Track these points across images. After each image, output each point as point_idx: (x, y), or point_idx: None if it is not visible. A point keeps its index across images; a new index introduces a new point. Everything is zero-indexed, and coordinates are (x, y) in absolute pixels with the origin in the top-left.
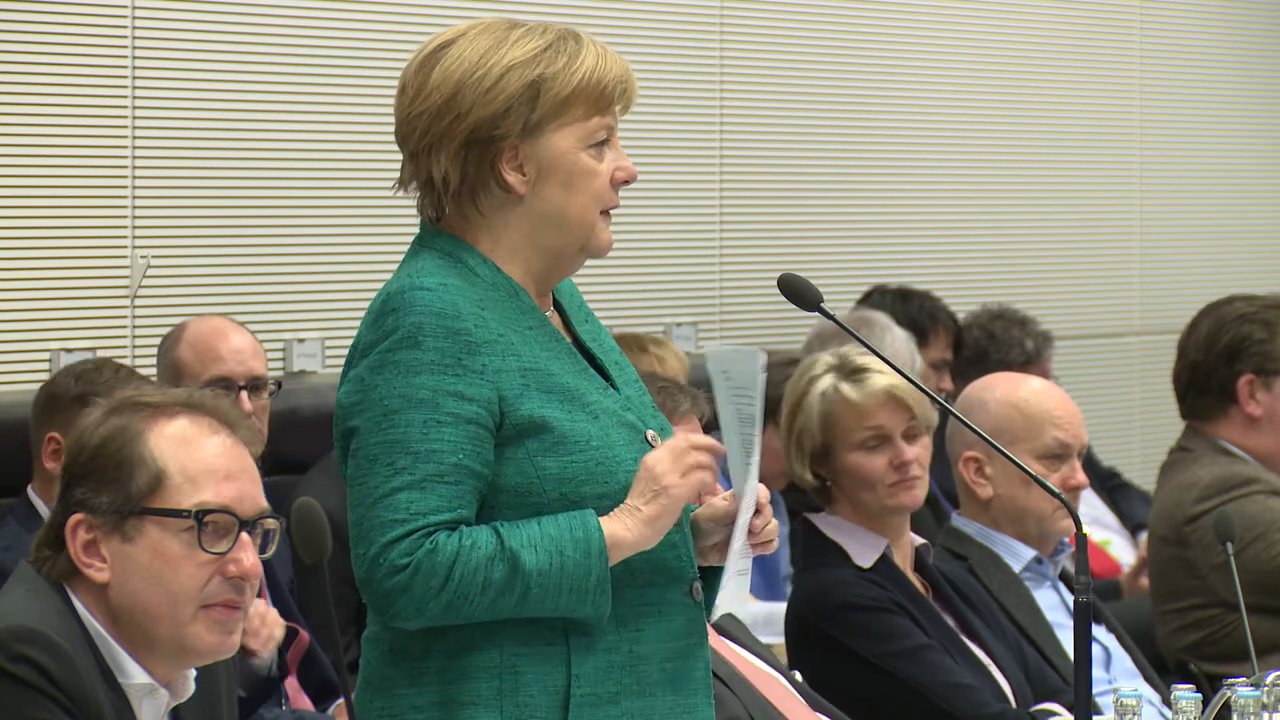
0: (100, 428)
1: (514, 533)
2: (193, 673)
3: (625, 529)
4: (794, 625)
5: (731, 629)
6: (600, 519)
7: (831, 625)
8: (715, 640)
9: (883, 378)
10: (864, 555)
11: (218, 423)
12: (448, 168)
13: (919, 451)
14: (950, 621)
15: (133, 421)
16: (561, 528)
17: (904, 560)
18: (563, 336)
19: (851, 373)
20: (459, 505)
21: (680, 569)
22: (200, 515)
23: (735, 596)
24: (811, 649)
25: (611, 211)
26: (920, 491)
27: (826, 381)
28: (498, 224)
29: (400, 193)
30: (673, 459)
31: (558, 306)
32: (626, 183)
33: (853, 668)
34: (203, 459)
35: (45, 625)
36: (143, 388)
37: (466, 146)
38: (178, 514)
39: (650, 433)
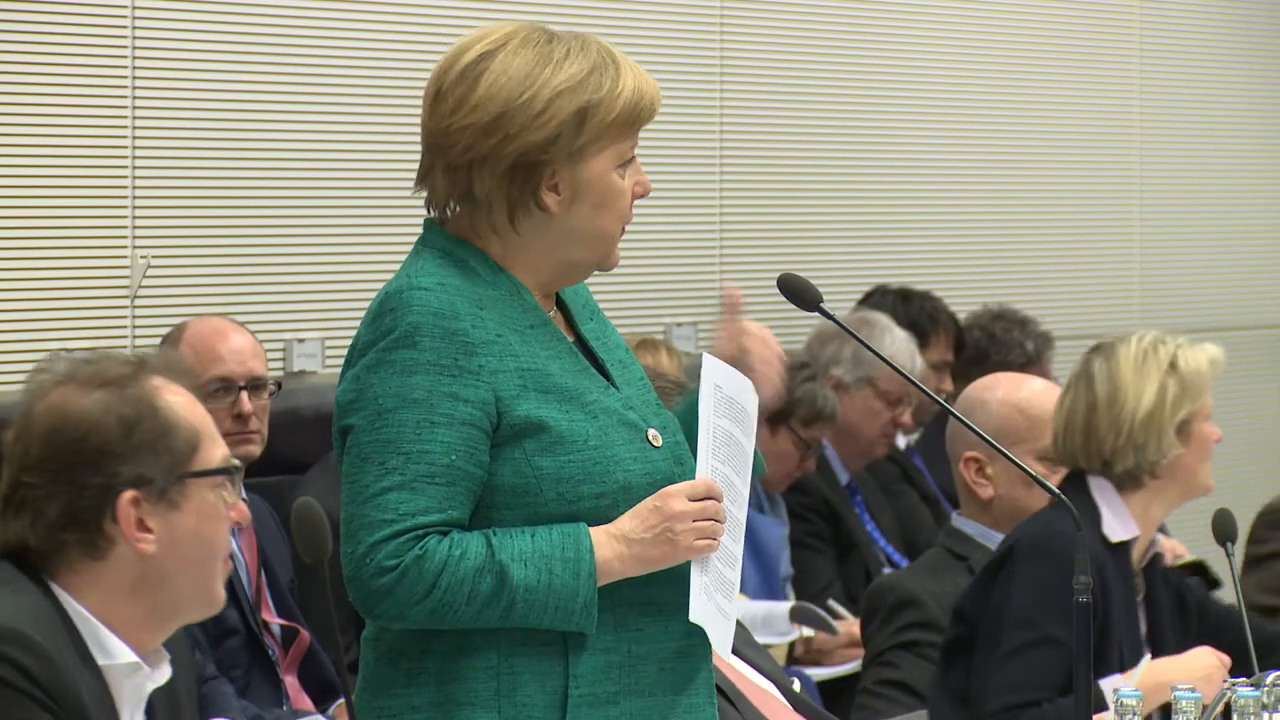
0: (116, 405)
1: (505, 544)
2: (168, 655)
3: (619, 560)
4: (1010, 537)
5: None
6: (596, 538)
7: (1025, 556)
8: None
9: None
10: (1116, 531)
11: (185, 381)
12: (491, 187)
13: None
14: (1144, 628)
15: (141, 392)
16: (554, 544)
17: (1138, 555)
18: (564, 336)
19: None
20: (450, 506)
21: (681, 568)
22: (236, 468)
23: (712, 610)
24: (1002, 560)
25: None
26: None
27: (1203, 348)
28: (528, 238)
29: (416, 192)
30: (698, 512)
31: (561, 305)
32: (642, 197)
33: (1000, 598)
34: (205, 416)
35: (21, 623)
36: (74, 364)
37: (513, 169)
38: (218, 472)
39: (652, 431)
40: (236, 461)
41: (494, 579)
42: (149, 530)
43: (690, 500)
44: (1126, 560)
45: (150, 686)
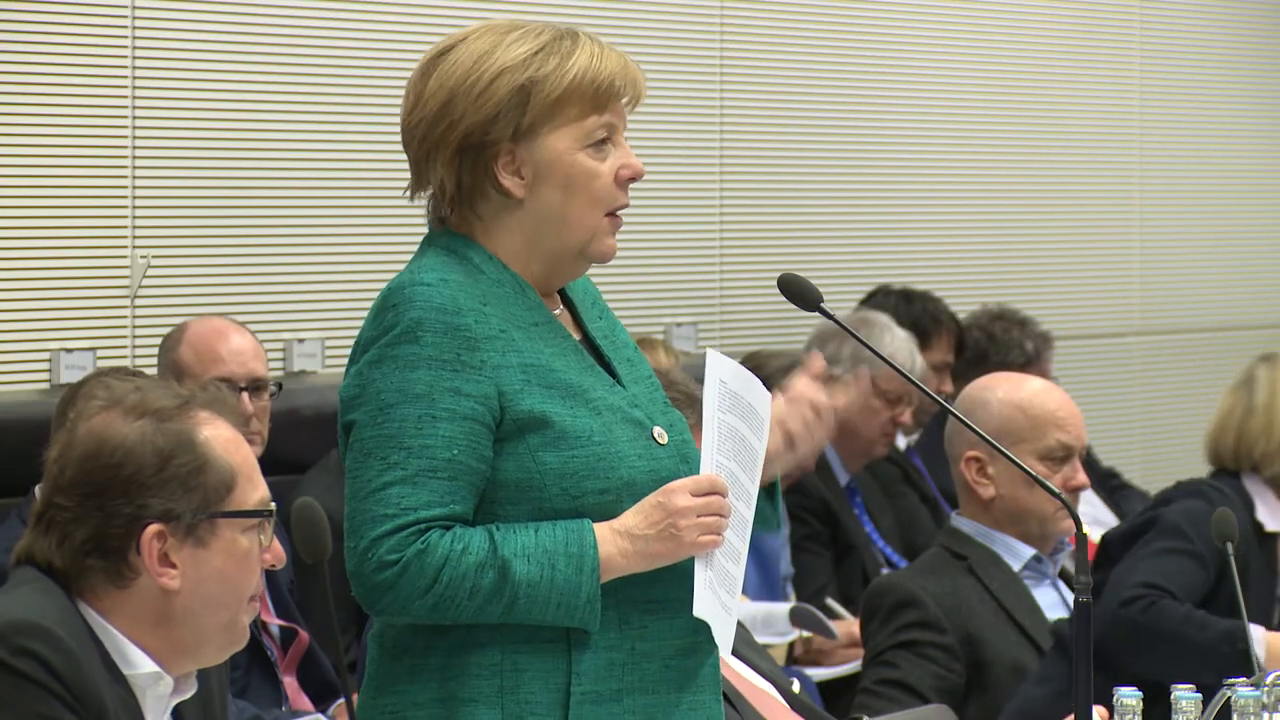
0: (153, 437)
1: (509, 539)
2: (194, 673)
3: (622, 556)
4: (1164, 492)
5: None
6: (599, 534)
7: (1183, 495)
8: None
9: None
10: (1269, 521)
11: (232, 419)
12: (444, 175)
13: None
14: (1277, 615)
15: (183, 426)
16: (557, 540)
17: None
18: (569, 334)
19: None
20: (452, 501)
21: (685, 566)
22: (269, 513)
23: (716, 606)
24: (1156, 504)
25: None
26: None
27: None
28: (498, 228)
29: (412, 199)
30: (702, 507)
31: (568, 304)
32: (633, 179)
33: (1155, 519)
34: (247, 456)
35: (48, 620)
36: (141, 385)
37: (460, 153)
38: (252, 514)
39: (657, 429)
40: (273, 505)
41: (496, 574)
42: (172, 565)
43: (694, 495)
44: (1274, 553)
45: (174, 701)
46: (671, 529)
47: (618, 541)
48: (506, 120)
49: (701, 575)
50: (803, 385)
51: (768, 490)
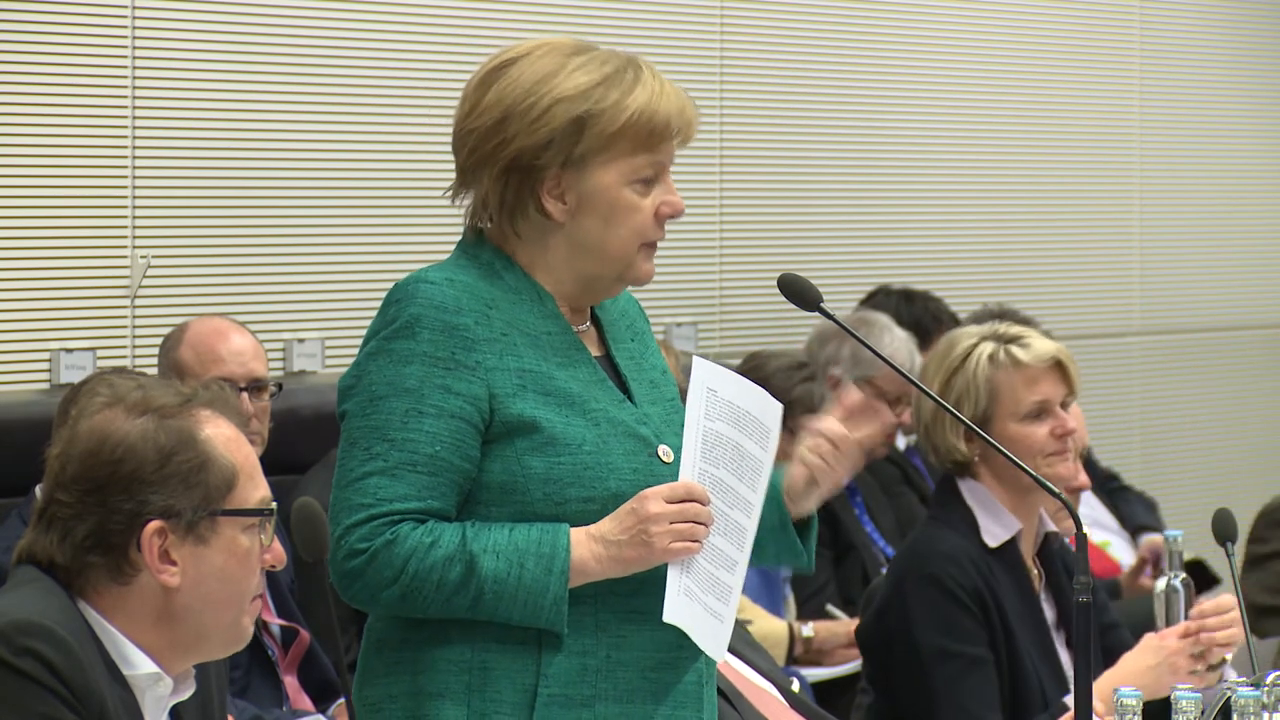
0: (155, 434)
1: (480, 536)
2: (194, 673)
3: (595, 560)
4: (892, 567)
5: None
6: (574, 538)
7: (912, 589)
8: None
9: (1047, 343)
10: (993, 534)
11: (234, 418)
12: (488, 188)
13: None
14: (1051, 615)
15: (185, 423)
16: (530, 539)
17: (1028, 545)
18: (586, 349)
19: (1011, 340)
20: (430, 496)
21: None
22: (270, 511)
23: (696, 612)
24: (890, 598)
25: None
26: (1076, 463)
27: (989, 347)
28: (536, 246)
29: (453, 201)
30: (675, 514)
31: (596, 323)
32: (673, 217)
33: (903, 637)
34: (249, 455)
35: (49, 619)
36: (144, 384)
37: (508, 172)
38: (253, 512)
39: (663, 448)
40: (273, 505)
41: (463, 568)
42: (173, 562)
43: (668, 502)
44: (1015, 557)
45: (172, 701)
46: (643, 535)
47: (591, 546)
48: (559, 148)
49: (675, 582)
50: (822, 421)
51: (800, 527)
